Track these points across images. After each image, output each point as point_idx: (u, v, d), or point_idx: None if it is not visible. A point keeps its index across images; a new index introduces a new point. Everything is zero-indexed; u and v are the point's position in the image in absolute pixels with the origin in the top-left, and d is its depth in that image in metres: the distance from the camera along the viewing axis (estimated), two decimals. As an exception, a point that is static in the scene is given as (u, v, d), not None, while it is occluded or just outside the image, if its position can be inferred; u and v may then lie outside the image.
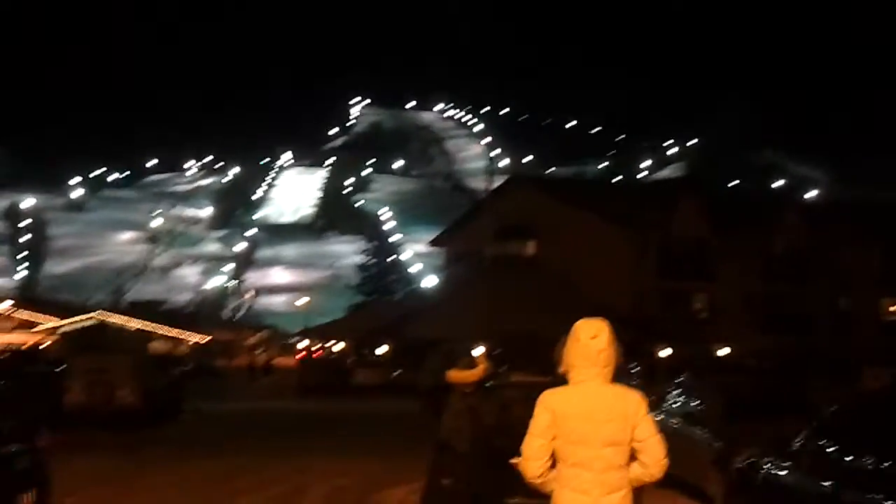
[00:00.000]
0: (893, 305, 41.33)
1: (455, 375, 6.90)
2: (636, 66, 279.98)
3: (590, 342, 4.14)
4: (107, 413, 19.43)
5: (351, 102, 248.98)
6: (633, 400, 4.11)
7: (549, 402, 4.13)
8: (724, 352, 32.72)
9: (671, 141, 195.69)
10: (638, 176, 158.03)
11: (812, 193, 74.82)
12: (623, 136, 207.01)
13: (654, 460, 4.07)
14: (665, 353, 30.44)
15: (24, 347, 52.25)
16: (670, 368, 23.44)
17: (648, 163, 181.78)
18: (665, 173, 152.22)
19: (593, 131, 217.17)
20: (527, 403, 5.81)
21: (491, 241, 42.68)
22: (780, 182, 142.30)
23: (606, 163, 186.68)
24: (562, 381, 4.60)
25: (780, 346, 30.91)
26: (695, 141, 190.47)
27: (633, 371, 24.15)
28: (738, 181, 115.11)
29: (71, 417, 18.87)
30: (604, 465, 4.01)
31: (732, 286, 36.67)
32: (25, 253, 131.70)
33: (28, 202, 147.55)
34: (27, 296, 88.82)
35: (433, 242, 58.77)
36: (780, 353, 29.10)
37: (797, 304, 36.72)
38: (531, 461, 4.13)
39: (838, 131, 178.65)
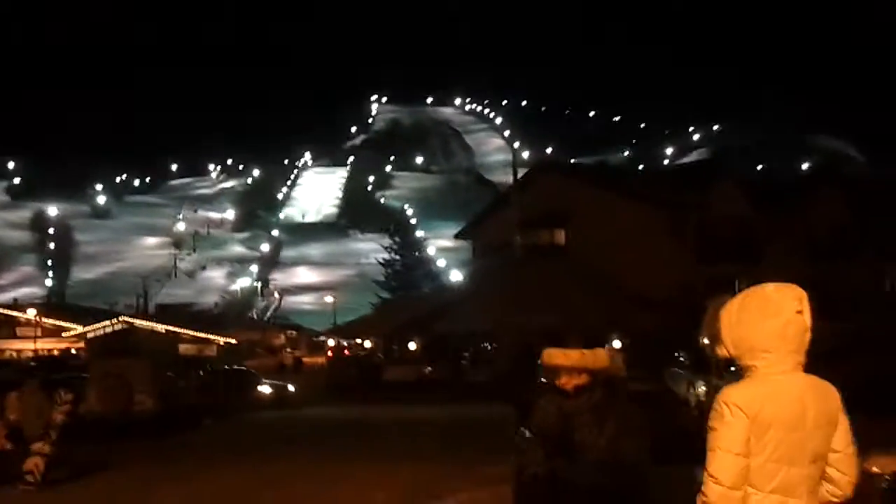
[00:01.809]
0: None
1: (560, 356, 4.54)
2: (654, 54, 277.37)
3: (795, 318, 2.96)
4: (125, 420, 18.18)
5: (369, 101, 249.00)
6: (835, 397, 3.02)
7: (742, 403, 2.90)
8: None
9: (693, 128, 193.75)
10: (664, 162, 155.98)
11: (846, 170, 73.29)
12: (643, 124, 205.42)
13: (848, 476, 3.03)
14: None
15: (52, 353, 52.03)
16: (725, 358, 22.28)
17: (671, 150, 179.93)
18: (690, 159, 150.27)
19: (614, 120, 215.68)
20: (594, 414, 4.40)
21: (518, 232, 41.71)
22: (810, 162, 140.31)
23: (629, 152, 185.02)
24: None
25: (829, 329, 29.73)
26: (717, 126, 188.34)
27: (683, 362, 23.10)
28: (767, 163, 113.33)
29: (88, 425, 17.63)
30: (810, 486, 2.95)
31: (778, 268, 35.35)
32: (53, 261, 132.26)
33: (53, 210, 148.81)
34: (56, 303, 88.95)
35: (458, 236, 57.86)
36: (831, 337, 27.87)
37: (843, 284, 35.44)
38: (731, 490, 2.89)
39: (864, 104, 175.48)
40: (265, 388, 30.09)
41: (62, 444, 12.94)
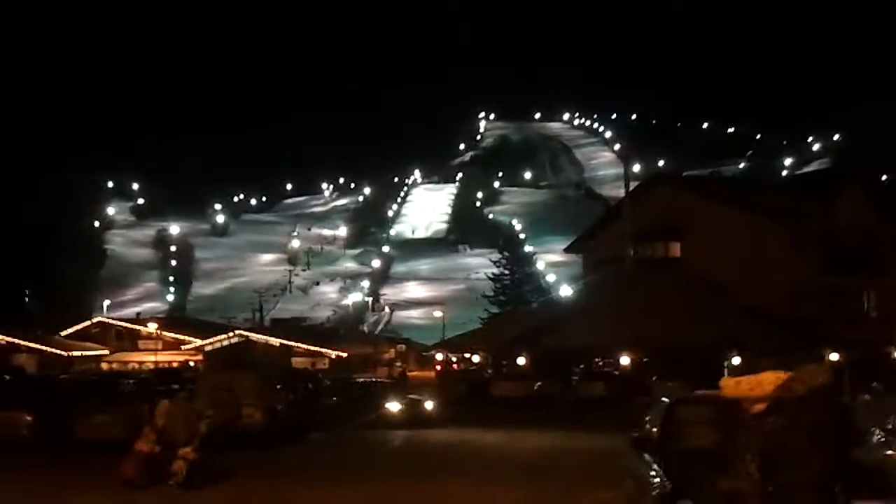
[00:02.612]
0: None
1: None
2: (770, 62, 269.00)
3: None
4: (231, 432, 17.98)
5: (478, 117, 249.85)
6: None
7: None
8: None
9: (812, 138, 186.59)
10: (782, 174, 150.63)
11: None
12: (759, 135, 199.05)
13: None
14: (833, 357, 27.73)
15: (172, 366, 53.82)
16: (845, 374, 20.96)
17: (790, 161, 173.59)
18: (810, 170, 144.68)
19: (728, 132, 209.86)
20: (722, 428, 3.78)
21: (631, 245, 40.71)
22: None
23: (744, 164, 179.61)
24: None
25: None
26: (838, 136, 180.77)
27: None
28: (891, 173, 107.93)
29: None
30: None
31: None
32: (174, 277, 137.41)
33: (175, 229, 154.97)
34: (176, 317, 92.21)
35: (567, 249, 57.02)
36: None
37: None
38: None
39: None
40: (393, 405, 26.38)
41: (203, 452, 14.11)
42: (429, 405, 26.71)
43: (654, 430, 7.73)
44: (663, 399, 8.40)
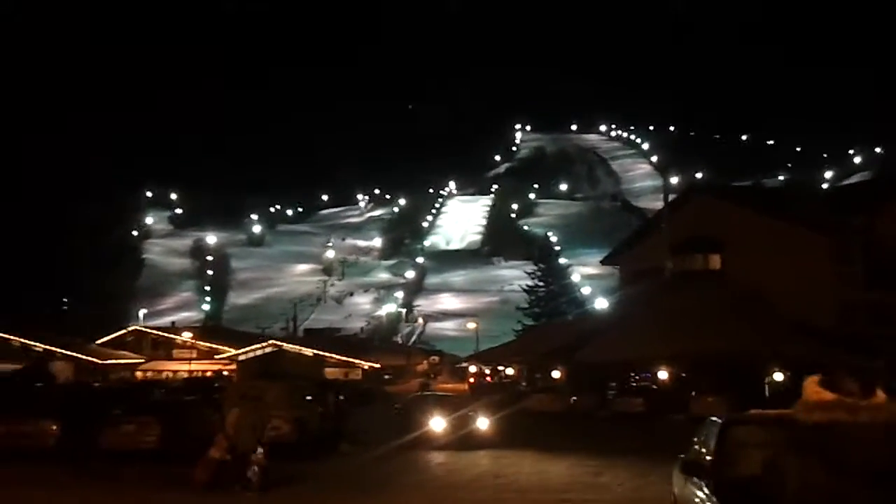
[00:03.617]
0: None
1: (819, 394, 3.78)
2: (809, 72, 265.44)
3: None
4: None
5: (514, 129, 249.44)
6: None
7: None
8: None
9: (853, 150, 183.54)
10: (823, 186, 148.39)
11: None
12: (799, 147, 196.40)
13: None
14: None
15: (206, 374, 53.83)
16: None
17: (831, 173, 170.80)
18: (852, 182, 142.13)
19: (768, 144, 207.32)
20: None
21: (670, 257, 40.00)
22: None
23: (784, 176, 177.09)
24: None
25: None
26: (880, 149, 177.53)
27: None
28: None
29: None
30: None
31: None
32: (210, 286, 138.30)
33: (211, 239, 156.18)
34: (211, 326, 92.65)
35: (604, 261, 56.34)
36: None
37: None
38: None
39: None
40: (437, 423, 22.80)
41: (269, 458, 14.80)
42: (482, 423, 23.03)
43: (705, 452, 7.13)
44: (714, 418, 7.77)
